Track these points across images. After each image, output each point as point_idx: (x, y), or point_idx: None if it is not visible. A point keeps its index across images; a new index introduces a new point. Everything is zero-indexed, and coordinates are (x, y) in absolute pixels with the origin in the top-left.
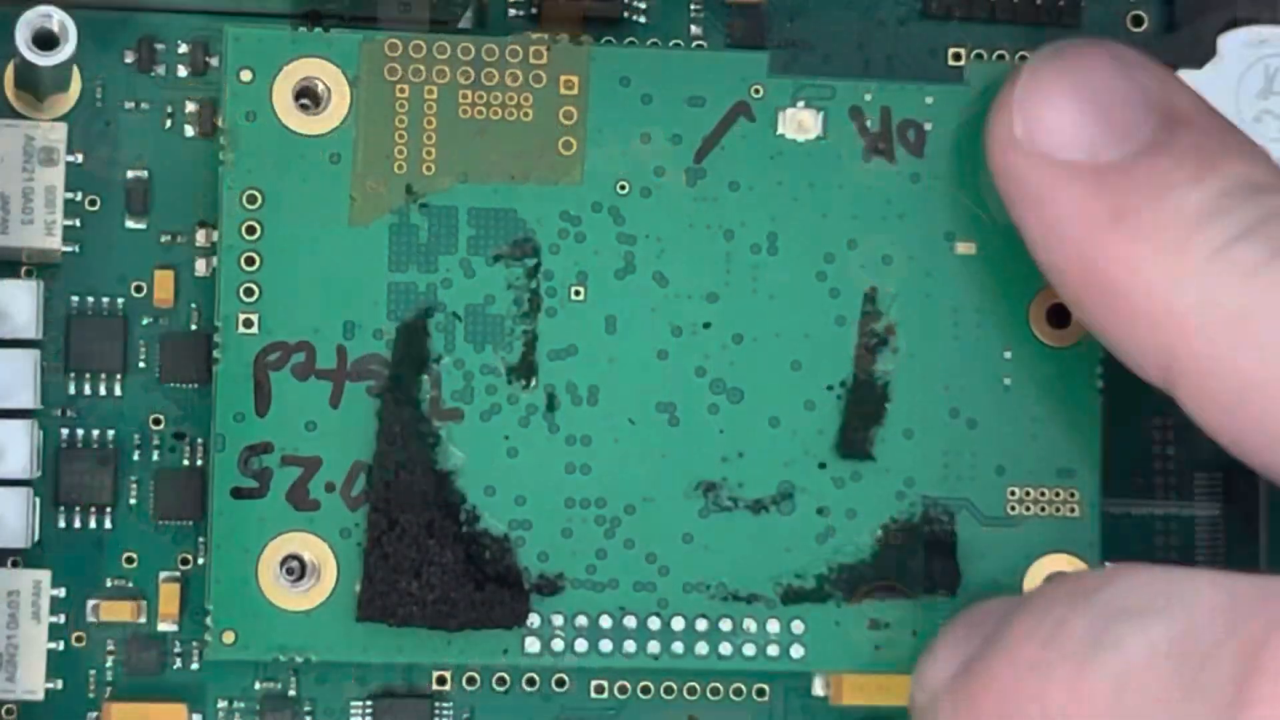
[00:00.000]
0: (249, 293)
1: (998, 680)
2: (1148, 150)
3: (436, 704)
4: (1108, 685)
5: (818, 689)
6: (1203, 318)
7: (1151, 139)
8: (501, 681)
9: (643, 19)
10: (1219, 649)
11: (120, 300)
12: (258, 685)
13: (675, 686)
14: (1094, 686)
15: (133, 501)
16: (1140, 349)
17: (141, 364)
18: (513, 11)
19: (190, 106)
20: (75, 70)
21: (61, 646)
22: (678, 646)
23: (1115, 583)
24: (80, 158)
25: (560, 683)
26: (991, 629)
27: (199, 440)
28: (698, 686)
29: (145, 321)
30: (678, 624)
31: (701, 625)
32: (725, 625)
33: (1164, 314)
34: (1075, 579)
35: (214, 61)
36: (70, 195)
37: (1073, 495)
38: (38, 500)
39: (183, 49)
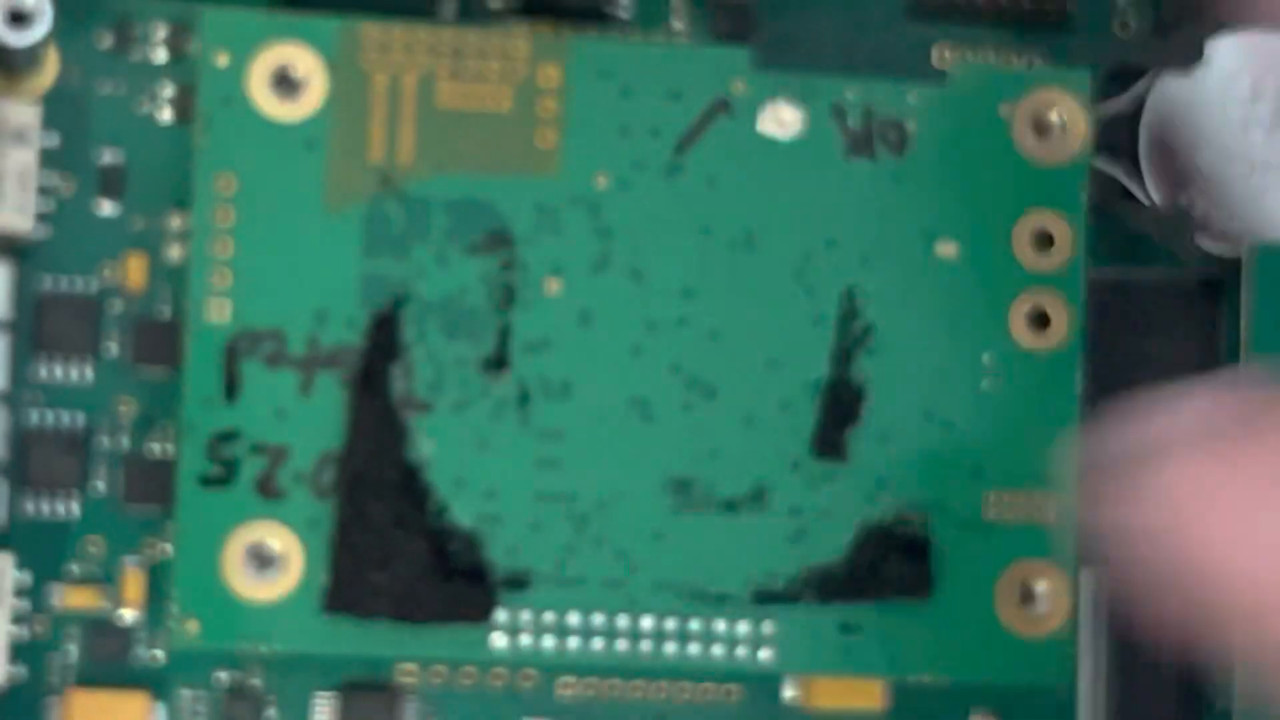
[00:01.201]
0: (220, 279)
1: None
2: None
3: (402, 697)
4: None
5: (788, 691)
6: None
7: None
8: (468, 676)
9: (624, 12)
10: None
11: (92, 284)
12: (222, 675)
13: (643, 685)
14: None
15: (100, 487)
16: None
17: (113, 349)
18: (494, 2)
19: (168, 90)
20: (51, 51)
21: (24, 633)
22: (646, 645)
23: None
24: (54, 139)
25: (527, 679)
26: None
27: (168, 427)
28: (666, 686)
29: (117, 306)
30: (647, 623)
31: (671, 624)
32: (695, 625)
33: None
34: None
35: (192, 45)
36: (43, 178)
37: (1049, 500)
38: (4, 484)
39: (161, 32)
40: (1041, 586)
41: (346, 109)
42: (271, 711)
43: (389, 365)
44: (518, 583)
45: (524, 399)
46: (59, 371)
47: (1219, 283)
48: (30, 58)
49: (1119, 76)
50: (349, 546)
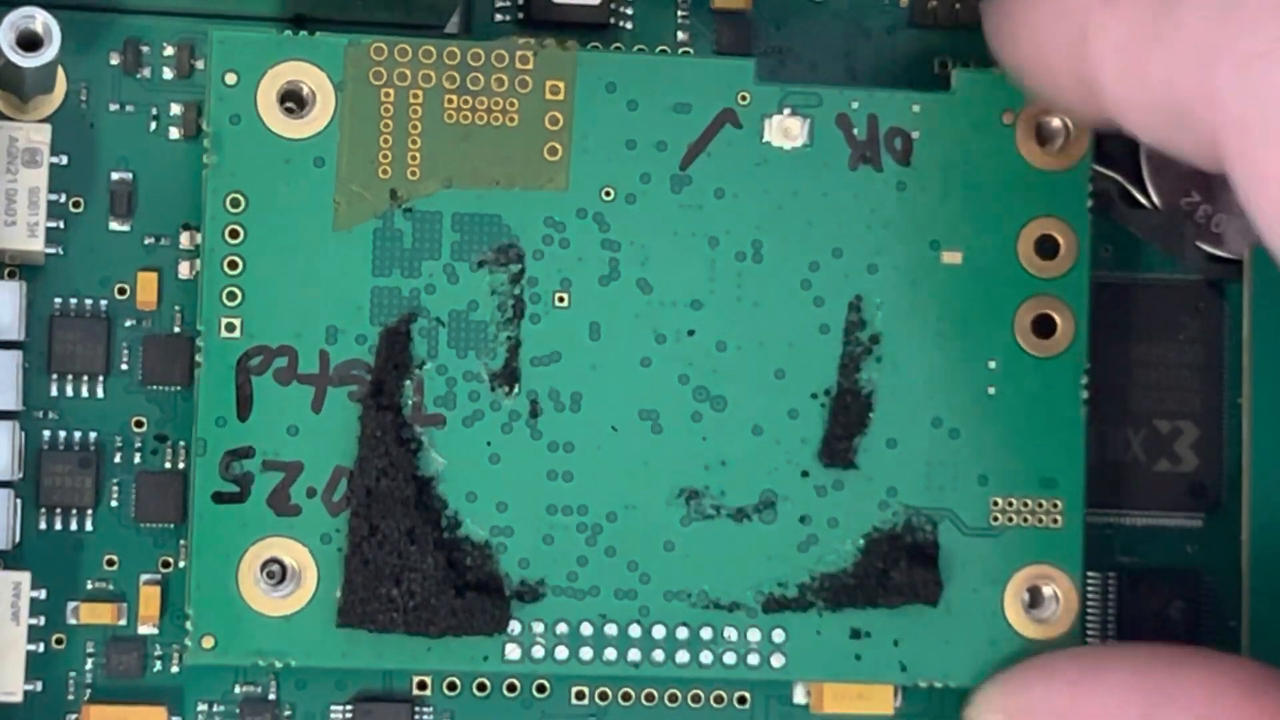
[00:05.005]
0: (231, 296)
1: None
2: None
3: (417, 709)
4: None
5: (798, 697)
6: None
7: None
8: (482, 687)
9: (629, 25)
10: None
11: (103, 302)
12: (238, 689)
13: (656, 694)
14: None
15: (114, 504)
16: None
17: (124, 366)
18: (499, 16)
19: (175, 109)
20: (60, 72)
21: (41, 648)
22: (658, 654)
23: None
24: (64, 159)
25: (541, 689)
26: None
27: (180, 443)
28: (678, 694)
29: (128, 324)
30: (658, 632)
31: (682, 633)
32: (706, 633)
33: None
34: None
35: (199, 64)
36: (54, 197)
37: (1055, 505)
38: (19, 501)
39: (168, 51)
40: (1049, 590)
41: (354, 126)
42: None
43: (400, 380)
44: (531, 594)
45: (534, 412)
46: (71, 389)
47: (1220, 285)
48: (40, 79)
49: None
50: (362, 561)
